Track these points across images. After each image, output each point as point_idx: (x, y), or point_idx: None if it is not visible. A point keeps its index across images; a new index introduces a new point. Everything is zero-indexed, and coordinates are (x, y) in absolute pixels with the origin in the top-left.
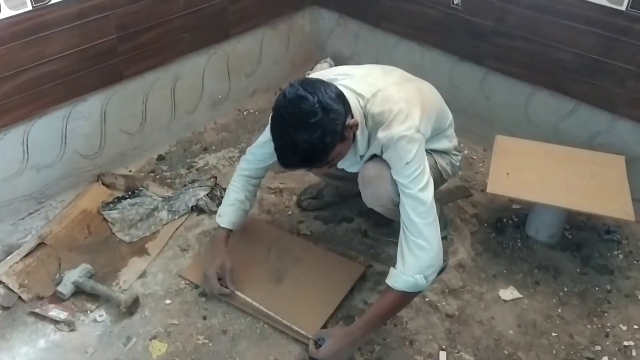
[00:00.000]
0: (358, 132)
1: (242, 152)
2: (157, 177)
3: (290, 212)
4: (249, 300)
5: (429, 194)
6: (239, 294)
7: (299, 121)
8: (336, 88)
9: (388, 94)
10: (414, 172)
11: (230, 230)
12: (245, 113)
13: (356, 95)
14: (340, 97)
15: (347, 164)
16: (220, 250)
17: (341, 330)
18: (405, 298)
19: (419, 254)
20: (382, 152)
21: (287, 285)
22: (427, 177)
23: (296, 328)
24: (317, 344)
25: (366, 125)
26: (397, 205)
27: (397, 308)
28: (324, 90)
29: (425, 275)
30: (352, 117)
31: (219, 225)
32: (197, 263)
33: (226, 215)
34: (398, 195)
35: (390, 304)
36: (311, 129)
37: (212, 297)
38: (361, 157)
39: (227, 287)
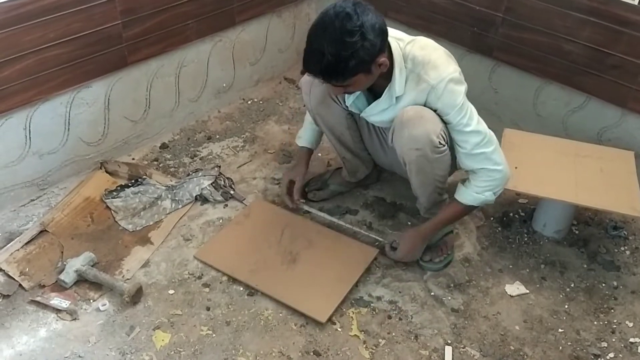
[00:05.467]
0: (396, 72)
1: (246, 141)
2: (161, 165)
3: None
4: (318, 212)
5: (484, 125)
6: (304, 206)
7: (335, 35)
8: (383, 23)
9: (428, 41)
10: (468, 110)
11: (310, 150)
12: (249, 102)
13: (395, 39)
14: (383, 33)
15: (377, 111)
16: (300, 165)
17: (411, 233)
18: (472, 209)
19: (493, 175)
20: (426, 99)
21: (301, 266)
22: (475, 112)
23: (373, 235)
24: (392, 247)
25: (405, 66)
26: (434, 148)
27: (462, 216)
28: (371, 18)
29: (495, 192)
30: (385, 57)
31: (299, 146)
32: (212, 245)
33: (304, 136)
34: (437, 136)
35: (458, 214)
36: (343, 46)
37: (216, 287)
38: (397, 98)
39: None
